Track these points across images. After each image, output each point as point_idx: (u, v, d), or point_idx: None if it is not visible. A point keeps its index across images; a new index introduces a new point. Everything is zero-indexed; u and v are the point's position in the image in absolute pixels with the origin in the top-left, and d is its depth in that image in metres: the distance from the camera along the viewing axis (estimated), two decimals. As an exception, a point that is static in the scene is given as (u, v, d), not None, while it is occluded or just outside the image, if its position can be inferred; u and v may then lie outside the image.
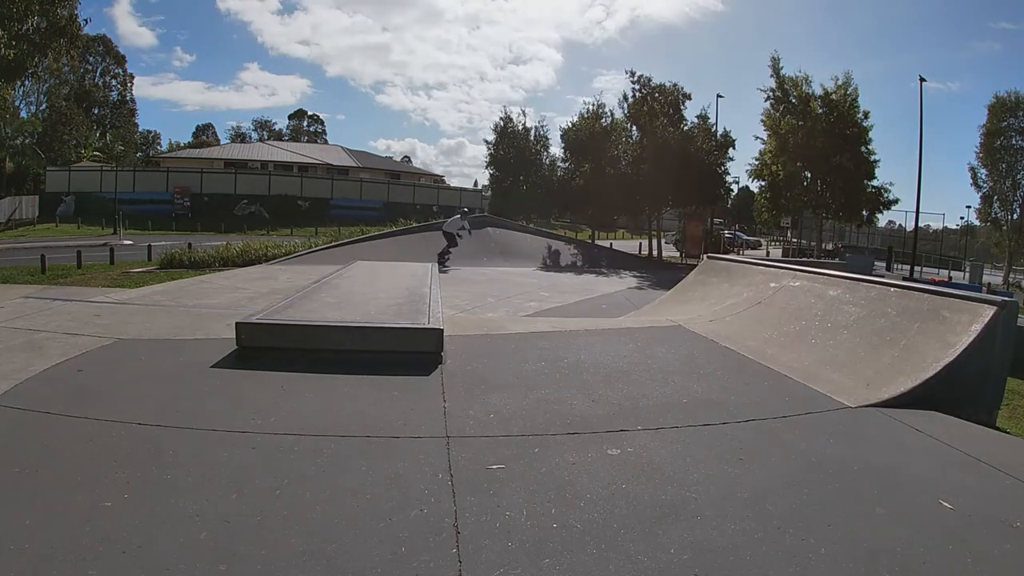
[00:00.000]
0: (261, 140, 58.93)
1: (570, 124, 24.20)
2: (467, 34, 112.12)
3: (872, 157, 21.95)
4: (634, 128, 22.73)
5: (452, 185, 54.47)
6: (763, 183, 24.18)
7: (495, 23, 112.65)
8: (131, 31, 78.94)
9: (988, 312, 3.44)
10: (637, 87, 22.23)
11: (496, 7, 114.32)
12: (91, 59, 49.12)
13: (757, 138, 24.06)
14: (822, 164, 21.72)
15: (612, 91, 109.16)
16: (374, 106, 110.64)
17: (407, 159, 71.21)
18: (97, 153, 41.12)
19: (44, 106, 41.28)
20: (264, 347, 3.90)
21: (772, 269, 5.96)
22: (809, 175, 23.02)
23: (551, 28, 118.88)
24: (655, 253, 23.70)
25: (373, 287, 6.09)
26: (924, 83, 23.05)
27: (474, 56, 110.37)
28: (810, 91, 22.06)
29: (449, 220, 13.91)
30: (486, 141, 32.48)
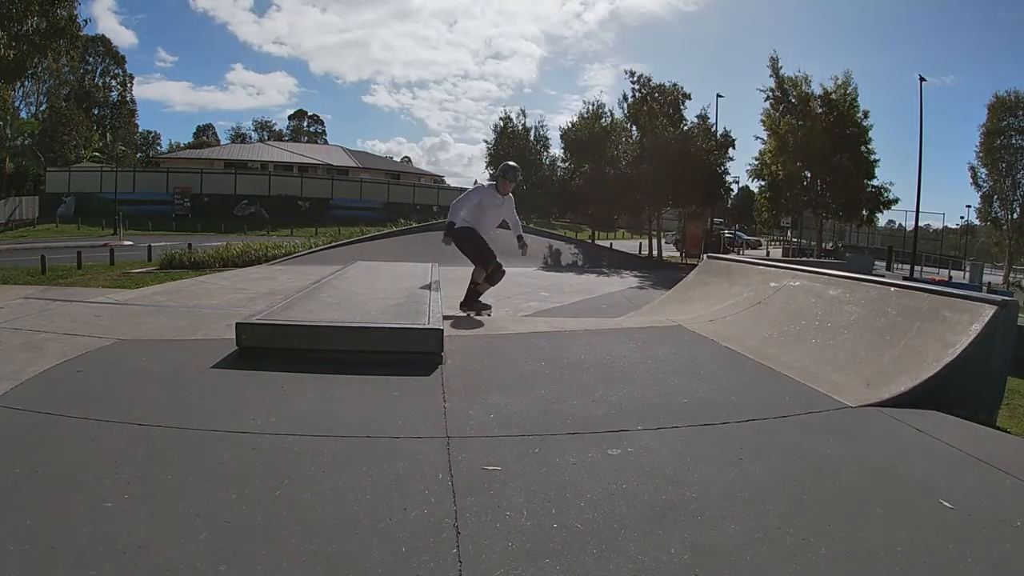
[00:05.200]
0: (261, 140, 58.95)
1: (570, 124, 24.25)
2: (446, 30, 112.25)
3: (872, 156, 21.97)
4: (634, 128, 22.75)
5: (451, 185, 54.51)
6: (763, 183, 24.19)
7: (472, 17, 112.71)
8: (110, 29, 77.57)
9: (988, 312, 3.43)
10: (637, 87, 22.27)
11: (471, 1, 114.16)
12: (91, 59, 49.16)
13: (757, 138, 24.09)
14: (822, 164, 21.74)
15: (598, 86, 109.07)
16: (360, 106, 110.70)
17: (407, 160, 71.27)
18: (97, 154, 41.14)
19: (44, 107, 41.28)
20: (264, 347, 3.89)
21: (772, 269, 5.96)
22: (809, 175, 23.03)
23: (529, 22, 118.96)
24: (655, 253, 23.72)
25: (373, 287, 6.09)
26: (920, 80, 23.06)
27: (455, 52, 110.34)
28: (810, 91, 22.08)
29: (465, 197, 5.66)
30: (485, 142, 32.63)
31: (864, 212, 22.49)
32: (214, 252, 12.15)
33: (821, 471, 2.43)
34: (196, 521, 1.89)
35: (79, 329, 4.53)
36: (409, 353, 3.89)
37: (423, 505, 2.05)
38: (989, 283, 21.39)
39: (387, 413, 2.95)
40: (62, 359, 3.69)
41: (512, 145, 32.53)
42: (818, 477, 2.38)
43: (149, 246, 13.75)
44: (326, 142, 65.18)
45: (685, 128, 21.64)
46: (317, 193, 38.88)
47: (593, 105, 24.05)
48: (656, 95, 21.86)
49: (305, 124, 73.74)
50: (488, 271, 5.43)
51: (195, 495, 2.06)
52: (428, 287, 5.87)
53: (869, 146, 21.81)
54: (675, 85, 22.22)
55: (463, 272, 6.76)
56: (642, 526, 1.96)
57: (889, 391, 3.33)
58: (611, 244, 23.44)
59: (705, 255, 11.47)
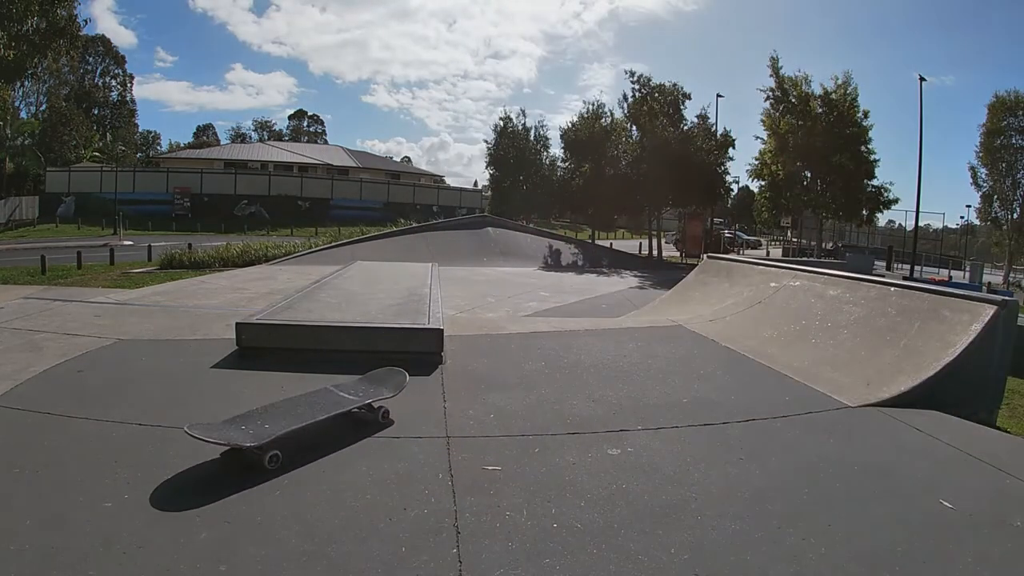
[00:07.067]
0: (261, 140, 58.93)
1: (570, 124, 24.25)
2: (445, 30, 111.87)
3: (872, 156, 21.97)
4: (634, 128, 22.74)
5: (451, 185, 54.51)
6: (763, 183, 24.18)
7: (471, 17, 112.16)
8: (109, 29, 76.82)
9: (988, 312, 3.43)
10: (637, 87, 22.23)
11: (470, 1, 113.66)
12: (91, 59, 49.13)
13: (757, 138, 24.06)
14: (822, 163, 21.73)
15: (598, 86, 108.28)
16: (359, 106, 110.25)
17: (407, 159, 71.25)
18: (97, 153, 41.14)
19: (44, 107, 41.25)
20: (264, 347, 3.90)
21: (772, 269, 5.96)
22: (809, 175, 23.03)
23: (528, 21, 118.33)
24: (655, 253, 23.70)
25: (373, 287, 6.09)
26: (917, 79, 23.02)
27: (454, 52, 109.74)
28: (809, 90, 22.08)
29: None
30: (485, 142, 32.66)
31: (864, 212, 22.47)
32: (214, 252, 12.15)
33: (821, 471, 2.43)
34: (196, 521, 1.89)
35: (79, 329, 4.53)
36: (409, 353, 3.89)
37: (423, 505, 2.05)
38: (989, 283, 21.37)
39: (387, 413, 2.95)
40: (62, 359, 3.69)
41: (512, 145, 32.57)
42: (818, 477, 2.38)
43: (149, 246, 13.75)
44: (326, 142, 65.13)
45: (685, 128, 21.62)
46: (317, 193, 38.84)
47: (593, 105, 24.01)
48: (656, 95, 21.82)
49: (305, 124, 73.72)
50: None
51: (195, 495, 2.06)
52: (428, 287, 5.87)
53: (869, 146, 21.79)
54: (675, 85, 22.19)
55: (461, 273, 6.65)
56: (642, 526, 1.95)
57: (889, 391, 3.33)
58: (611, 244, 23.42)
59: (705, 255, 11.46)
